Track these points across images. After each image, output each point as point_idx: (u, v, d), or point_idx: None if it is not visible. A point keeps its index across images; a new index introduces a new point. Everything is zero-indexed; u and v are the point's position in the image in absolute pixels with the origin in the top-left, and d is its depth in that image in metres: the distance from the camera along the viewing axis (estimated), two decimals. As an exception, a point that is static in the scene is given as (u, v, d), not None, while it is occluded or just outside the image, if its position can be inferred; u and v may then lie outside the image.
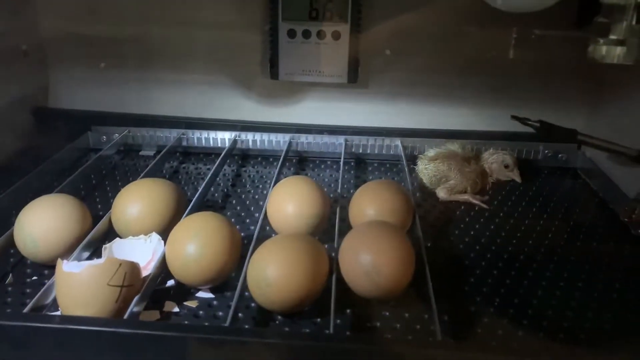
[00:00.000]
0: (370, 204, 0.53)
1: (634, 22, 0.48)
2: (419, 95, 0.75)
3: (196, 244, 0.45)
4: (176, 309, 0.46)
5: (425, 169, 0.67)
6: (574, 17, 0.66)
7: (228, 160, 0.74)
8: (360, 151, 0.75)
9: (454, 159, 0.66)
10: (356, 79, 0.73)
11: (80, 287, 0.40)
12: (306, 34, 0.71)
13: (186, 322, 0.44)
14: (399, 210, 0.52)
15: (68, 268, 0.41)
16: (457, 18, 0.71)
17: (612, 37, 0.50)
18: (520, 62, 0.72)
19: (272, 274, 0.42)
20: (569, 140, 0.63)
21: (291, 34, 0.71)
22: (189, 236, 0.45)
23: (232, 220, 0.59)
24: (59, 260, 0.42)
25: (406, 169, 0.67)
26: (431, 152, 0.69)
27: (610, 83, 0.69)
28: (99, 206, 0.62)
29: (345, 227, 0.52)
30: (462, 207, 0.64)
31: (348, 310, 0.46)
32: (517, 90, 0.73)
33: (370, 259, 0.43)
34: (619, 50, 0.50)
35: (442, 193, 0.65)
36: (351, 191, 0.57)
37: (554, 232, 0.58)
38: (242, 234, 0.56)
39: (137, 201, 0.52)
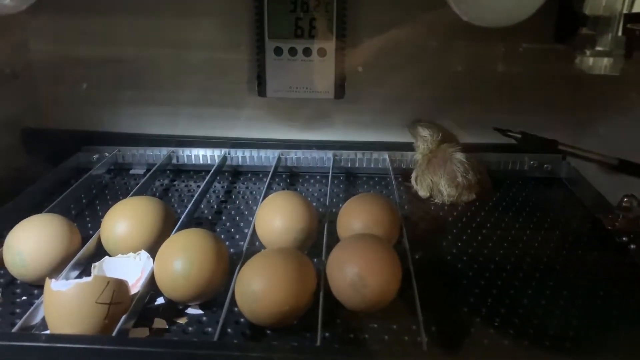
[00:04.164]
0: (356, 218, 0.53)
1: (619, 34, 0.49)
2: (405, 109, 0.76)
3: (183, 260, 0.45)
4: (166, 326, 0.46)
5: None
6: (551, 31, 0.67)
7: (218, 177, 0.75)
8: (349, 165, 0.76)
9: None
10: (343, 95, 0.74)
11: (68, 305, 0.41)
12: (292, 52, 0.72)
13: (175, 339, 0.45)
14: (385, 222, 0.53)
15: (56, 286, 0.41)
16: (441, 33, 0.72)
17: (599, 48, 0.51)
18: (505, 75, 0.74)
19: (258, 288, 0.42)
20: (550, 151, 0.64)
21: (278, 51, 0.72)
22: (177, 253, 0.46)
23: (222, 236, 0.60)
24: (47, 279, 0.42)
25: (394, 182, 0.67)
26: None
27: (593, 93, 0.70)
28: (89, 225, 0.62)
29: (334, 240, 0.52)
30: (450, 219, 0.64)
31: (336, 324, 0.46)
32: (501, 102, 0.74)
33: (355, 271, 0.44)
34: (605, 61, 0.51)
35: (422, 192, 0.68)
36: (340, 205, 0.58)
37: (540, 242, 0.59)
38: (232, 250, 0.57)
39: (126, 219, 0.52)
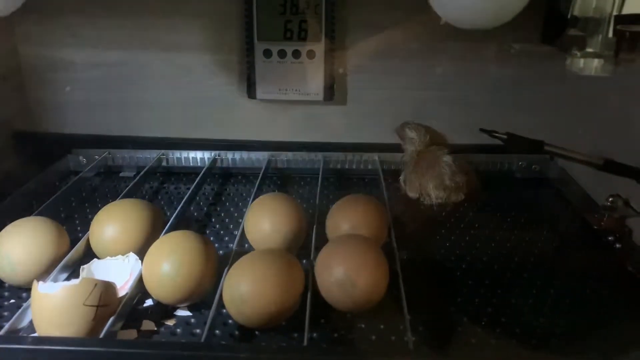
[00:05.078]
0: (345, 219, 0.54)
1: (609, 35, 0.50)
2: (394, 110, 0.76)
3: (171, 263, 0.45)
4: (154, 328, 0.46)
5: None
6: (539, 33, 0.68)
7: (208, 179, 0.75)
8: (339, 167, 0.76)
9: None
10: (332, 97, 0.75)
11: (55, 308, 0.41)
12: (282, 54, 0.72)
13: (163, 340, 0.45)
14: (373, 223, 0.53)
15: (43, 289, 0.41)
16: (429, 35, 0.72)
17: (589, 49, 0.51)
18: (493, 76, 0.74)
19: (246, 289, 0.42)
20: (536, 151, 0.64)
21: (267, 53, 0.72)
22: (164, 255, 0.46)
23: (212, 238, 0.60)
24: (35, 281, 0.42)
25: (383, 183, 0.68)
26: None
27: (580, 94, 0.70)
28: (79, 228, 0.62)
29: (323, 241, 0.52)
30: (438, 219, 0.65)
31: (324, 324, 0.46)
32: (489, 104, 0.75)
33: (342, 271, 0.44)
34: (596, 62, 0.51)
35: (411, 193, 0.69)
36: (330, 206, 0.58)
37: (527, 242, 0.60)
38: (221, 252, 0.57)
39: (114, 222, 0.52)
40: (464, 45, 0.72)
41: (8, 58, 0.76)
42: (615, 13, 0.49)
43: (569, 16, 0.53)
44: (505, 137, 0.60)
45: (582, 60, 0.51)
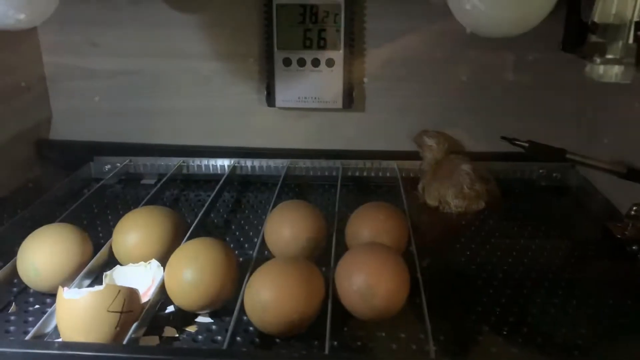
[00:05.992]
0: (365, 226, 0.54)
1: (630, 42, 0.49)
2: (413, 118, 0.76)
3: (193, 269, 0.46)
4: (176, 334, 0.47)
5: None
6: (558, 40, 0.68)
7: (227, 187, 0.75)
8: (357, 174, 0.76)
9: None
10: (351, 105, 0.75)
11: (80, 314, 0.41)
12: (301, 62, 0.73)
13: (185, 347, 0.45)
14: (393, 231, 0.53)
15: (68, 295, 0.42)
16: (448, 42, 0.73)
17: (609, 56, 0.51)
18: (513, 84, 0.74)
19: (267, 297, 0.43)
20: (558, 160, 0.64)
21: (286, 62, 0.73)
22: (186, 262, 0.46)
23: (232, 245, 0.61)
24: (60, 287, 0.43)
25: (402, 191, 0.68)
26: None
27: (601, 102, 0.70)
28: (101, 235, 0.63)
29: (342, 249, 0.52)
30: (459, 227, 0.64)
31: (345, 332, 0.46)
32: (509, 111, 0.75)
33: (363, 280, 0.44)
34: (616, 69, 0.50)
35: (430, 201, 0.68)
36: (348, 214, 0.58)
37: (548, 250, 0.59)
38: (241, 259, 0.57)
39: (137, 229, 0.53)
40: (484, 53, 0.72)
41: (32, 67, 0.78)
42: (635, 19, 0.48)
43: (589, 23, 0.53)
44: (526, 145, 0.59)
45: (601, 67, 0.51)
